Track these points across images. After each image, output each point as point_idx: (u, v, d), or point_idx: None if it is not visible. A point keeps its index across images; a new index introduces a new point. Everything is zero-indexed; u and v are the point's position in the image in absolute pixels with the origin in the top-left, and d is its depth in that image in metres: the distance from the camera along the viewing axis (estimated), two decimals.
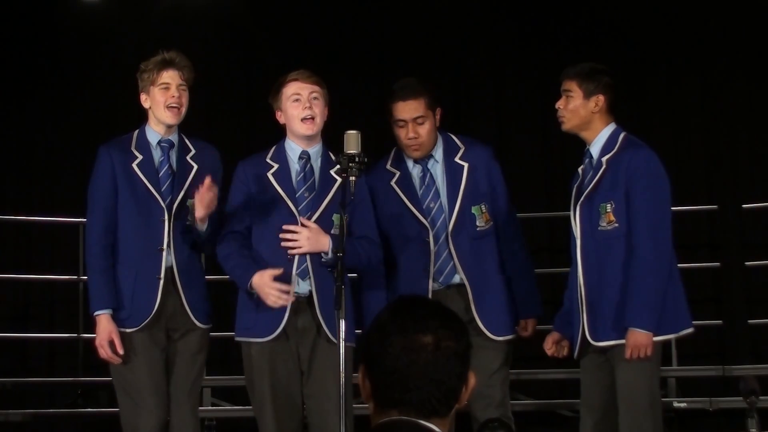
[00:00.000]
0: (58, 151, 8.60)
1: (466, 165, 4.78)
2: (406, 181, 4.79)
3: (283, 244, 4.60)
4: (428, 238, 4.70)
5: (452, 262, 4.69)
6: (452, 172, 4.77)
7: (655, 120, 8.39)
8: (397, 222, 4.73)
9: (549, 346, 4.69)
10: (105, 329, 4.58)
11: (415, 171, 4.80)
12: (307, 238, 4.58)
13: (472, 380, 2.25)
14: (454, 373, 2.20)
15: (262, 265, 4.61)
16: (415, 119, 4.74)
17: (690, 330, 4.55)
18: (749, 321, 7.83)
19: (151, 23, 8.53)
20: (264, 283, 4.54)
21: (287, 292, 4.52)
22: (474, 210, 4.74)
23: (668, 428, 7.18)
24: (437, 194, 4.75)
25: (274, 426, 4.62)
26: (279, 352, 4.63)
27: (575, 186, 4.64)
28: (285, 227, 4.61)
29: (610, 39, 8.46)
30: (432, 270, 4.68)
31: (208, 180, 4.55)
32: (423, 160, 4.80)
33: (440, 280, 4.71)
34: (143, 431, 4.56)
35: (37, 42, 8.62)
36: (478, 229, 4.74)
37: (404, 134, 4.75)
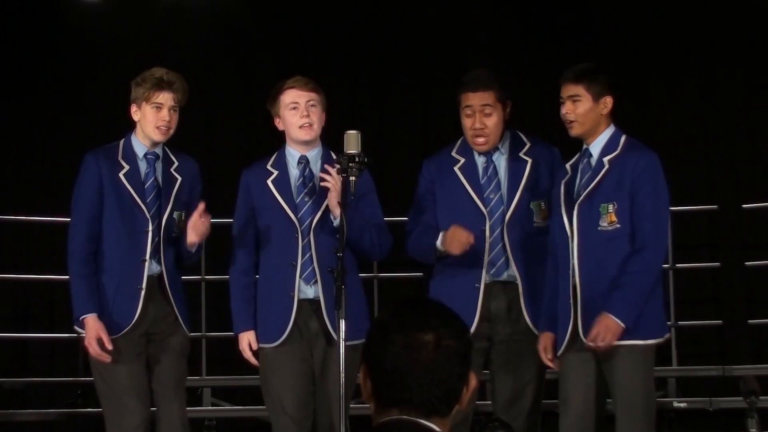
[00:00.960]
0: (57, 151, 8.59)
1: (529, 160, 4.77)
2: (470, 168, 4.78)
3: (322, 175, 4.62)
4: (485, 227, 4.68)
5: (505, 255, 4.66)
6: (515, 165, 4.76)
7: (655, 120, 8.39)
8: (456, 208, 4.73)
9: (550, 355, 4.59)
10: (92, 328, 4.60)
11: (480, 161, 4.80)
12: (340, 185, 4.55)
13: (473, 381, 2.25)
14: (454, 373, 2.20)
15: (268, 278, 4.72)
16: (482, 107, 4.73)
17: (668, 335, 4.57)
18: (749, 321, 7.83)
19: (152, 24, 8.53)
20: (244, 348, 4.74)
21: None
22: (533, 205, 4.72)
23: (668, 428, 7.18)
24: (498, 185, 4.74)
25: (291, 425, 4.64)
26: (293, 354, 4.68)
27: (563, 183, 4.61)
28: (324, 173, 4.63)
29: (610, 39, 8.46)
30: (486, 259, 4.65)
31: (201, 206, 4.61)
32: (489, 152, 4.79)
33: (491, 272, 4.67)
34: (129, 430, 4.59)
35: (36, 42, 8.61)
36: (535, 224, 4.72)
37: (471, 123, 4.74)
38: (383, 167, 7.91)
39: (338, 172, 4.50)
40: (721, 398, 7.18)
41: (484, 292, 4.63)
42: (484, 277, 4.65)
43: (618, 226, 4.46)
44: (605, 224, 4.48)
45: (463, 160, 4.79)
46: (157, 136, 4.73)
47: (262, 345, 4.72)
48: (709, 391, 7.42)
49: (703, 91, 8.41)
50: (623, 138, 4.60)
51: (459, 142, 4.87)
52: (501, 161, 4.79)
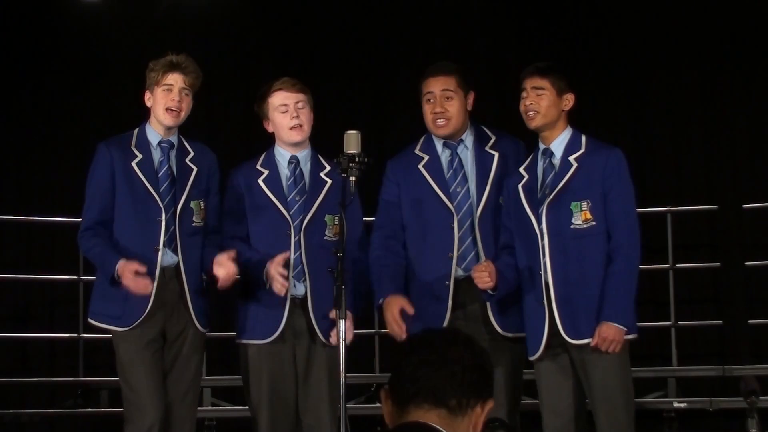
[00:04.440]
0: (57, 150, 8.60)
1: (496, 154, 4.73)
2: (434, 164, 4.73)
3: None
4: (453, 223, 4.63)
5: (476, 249, 4.62)
6: (482, 160, 4.73)
7: (655, 120, 8.39)
8: (422, 205, 4.68)
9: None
10: (124, 267, 4.51)
11: (444, 155, 4.75)
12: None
13: (490, 404, 2.26)
14: (467, 377, 2.23)
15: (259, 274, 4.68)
16: (443, 92, 4.72)
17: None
18: (749, 321, 7.83)
19: (151, 24, 8.54)
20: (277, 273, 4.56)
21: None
22: (501, 200, 4.68)
23: (668, 428, 7.19)
24: (465, 179, 4.70)
25: (269, 427, 4.65)
26: (276, 354, 4.67)
27: (520, 186, 4.58)
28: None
29: (610, 38, 8.46)
30: (456, 255, 4.61)
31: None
32: (452, 145, 4.75)
33: (462, 266, 4.63)
34: (143, 428, 4.57)
35: (36, 42, 8.62)
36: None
37: (431, 108, 4.71)
38: (383, 167, 7.91)
39: (338, 172, 4.49)
40: (721, 398, 7.19)
41: (455, 289, 4.60)
42: (454, 273, 4.61)
43: (593, 223, 4.46)
44: (579, 222, 4.47)
45: (427, 157, 4.75)
46: (167, 120, 4.70)
47: (250, 341, 4.70)
48: (709, 391, 7.43)
49: (703, 91, 8.42)
50: (584, 137, 4.61)
51: (422, 139, 4.84)
52: (466, 155, 4.75)
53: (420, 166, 4.74)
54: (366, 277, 4.73)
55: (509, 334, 4.61)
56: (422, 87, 4.77)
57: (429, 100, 4.73)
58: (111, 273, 4.56)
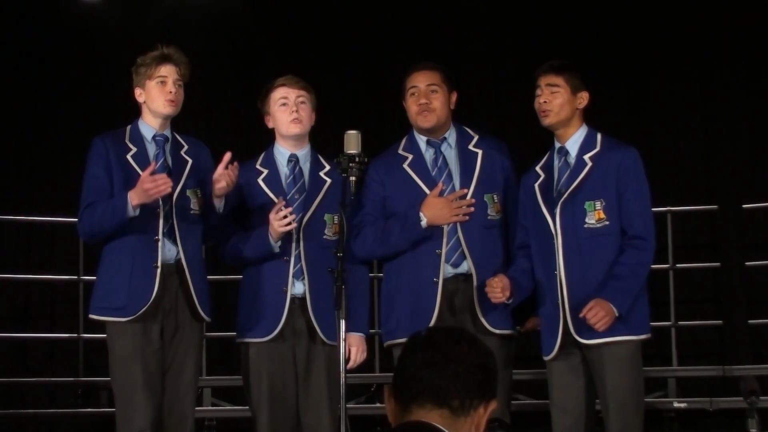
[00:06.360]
0: (57, 150, 8.60)
1: (480, 152, 4.74)
2: (418, 163, 4.74)
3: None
4: None
5: (461, 248, 4.64)
6: (466, 158, 4.73)
7: (655, 119, 8.39)
8: (409, 204, 4.67)
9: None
10: (135, 189, 4.47)
11: (428, 154, 4.76)
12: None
13: (493, 404, 2.27)
14: (471, 377, 2.23)
15: (260, 273, 4.73)
16: (428, 86, 4.72)
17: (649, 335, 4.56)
18: (749, 321, 7.83)
19: (151, 23, 8.54)
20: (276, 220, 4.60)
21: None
22: (486, 198, 4.68)
23: (668, 428, 7.19)
24: (450, 177, 4.71)
25: (269, 426, 4.66)
26: (276, 354, 4.67)
27: (537, 185, 4.59)
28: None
29: (610, 38, 8.46)
30: (444, 251, 4.61)
31: (227, 156, 4.55)
32: (436, 143, 4.76)
33: (450, 263, 4.63)
34: (135, 428, 4.54)
35: (36, 42, 8.62)
36: (489, 217, 4.68)
37: (415, 101, 4.72)
38: None
39: (338, 172, 4.49)
40: (721, 398, 7.19)
41: (444, 286, 4.60)
42: (443, 271, 4.61)
43: (607, 223, 4.46)
44: (593, 221, 4.46)
45: (410, 156, 4.76)
46: (167, 109, 4.68)
47: (250, 340, 4.71)
48: (709, 391, 7.43)
49: (703, 91, 8.42)
50: (599, 135, 4.61)
51: (404, 139, 4.85)
52: (450, 153, 4.76)
53: (405, 166, 4.75)
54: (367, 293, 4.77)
55: (497, 331, 4.62)
56: (406, 83, 4.79)
57: (413, 93, 4.74)
58: (124, 209, 4.51)
